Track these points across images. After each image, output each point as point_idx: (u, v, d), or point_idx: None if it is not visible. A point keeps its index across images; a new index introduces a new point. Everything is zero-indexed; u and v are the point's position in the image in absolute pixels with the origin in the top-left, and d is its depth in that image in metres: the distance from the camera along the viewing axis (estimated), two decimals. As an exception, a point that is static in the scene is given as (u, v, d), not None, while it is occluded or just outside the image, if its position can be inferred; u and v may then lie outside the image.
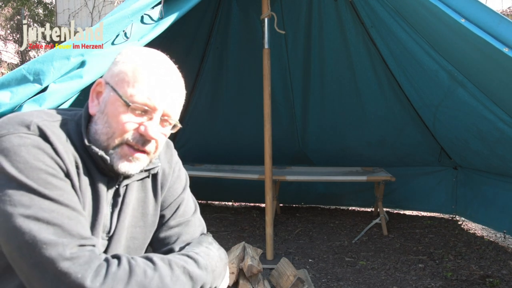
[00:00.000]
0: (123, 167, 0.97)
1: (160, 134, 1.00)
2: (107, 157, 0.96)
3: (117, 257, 0.90)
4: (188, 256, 1.01)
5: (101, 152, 0.95)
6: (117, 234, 1.04)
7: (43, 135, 0.90)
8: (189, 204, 1.20)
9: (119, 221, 1.04)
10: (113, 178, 1.01)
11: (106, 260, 0.88)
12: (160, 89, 0.97)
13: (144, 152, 0.99)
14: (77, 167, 0.94)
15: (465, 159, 4.35)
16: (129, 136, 0.96)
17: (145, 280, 0.88)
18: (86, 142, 0.96)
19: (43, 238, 0.82)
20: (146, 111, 0.96)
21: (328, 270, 3.34)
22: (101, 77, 1.03)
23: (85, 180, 0.96)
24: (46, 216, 0.84)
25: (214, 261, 1.06)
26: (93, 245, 0.88)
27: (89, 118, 1.01)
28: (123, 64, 0.98)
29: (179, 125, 1.04)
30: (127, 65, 0.98)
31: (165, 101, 0.98)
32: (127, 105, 0.95)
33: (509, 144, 3.25)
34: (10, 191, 0.84)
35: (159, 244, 1.14)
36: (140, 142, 0.97)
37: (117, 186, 1.03)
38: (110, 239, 1.03)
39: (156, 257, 0.95)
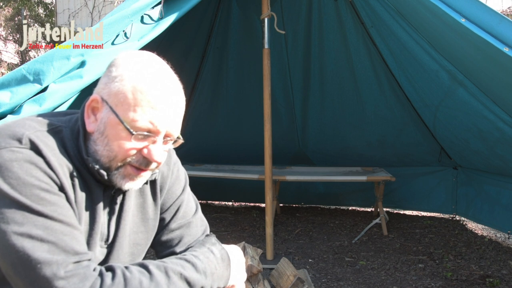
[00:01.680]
0: (127, 186, 0.97)
1: (163, 153, 0.98)
2: (104, 173, 0.95)
3: (111, 269, 0.89)
4: (186, 260, 1.00)
5: (97, 168, 0.94)
6: (118, 242, 1.03)
7: (35, 148, 0.88)
8: (190, 204, 1.18)
9: (120, 229, 1.03)
10: (109, 186, 1.00)
11: (101, 274, 0.87)
12: (163, 111, 0.94)
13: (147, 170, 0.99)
14: (71, 178, 0.93)
15: (465, 159, 4.35)
16: (132, 159, 0.95)
17: None
18: (84, 155, 0.95)
19: (37, 256, 0.81)
20: (149, 135, 0.94)
21: (328, 270, 3.34)
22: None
23: (80, 191, 0.94)
24: (39, 233, 0.83)
25: (213, 263, 1.05)
26: (89, 260, 0.87)
27: (85, 131, 0.98)
28: (121, 83, 0.93)
29: (182, 140, 1.02)
30: (126, 84, 0.93)
31: (168, 122, 0.95)
32: (130, 132, 0.92)
33: (510, 144, 3.25)
34: (2, 208, 0.83)
35: (161, 247, 1.13)
36: (144, 164, 0.96)
37: (113, 194, 1.02)
38: (110, 246, 1.02)
39: (151, 265, 0.93)
